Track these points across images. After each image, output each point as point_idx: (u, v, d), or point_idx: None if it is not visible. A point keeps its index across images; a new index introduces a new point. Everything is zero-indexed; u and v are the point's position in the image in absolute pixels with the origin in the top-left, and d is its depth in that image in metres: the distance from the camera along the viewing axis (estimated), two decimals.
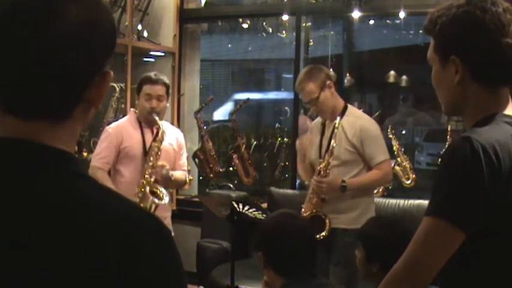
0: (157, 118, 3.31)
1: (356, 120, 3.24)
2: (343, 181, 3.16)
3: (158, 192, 3.25)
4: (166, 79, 3.40)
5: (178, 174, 3.46)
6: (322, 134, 3.35)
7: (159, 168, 3.26)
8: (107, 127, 3.43)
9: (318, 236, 3.11)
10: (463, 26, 1.30)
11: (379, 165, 3.20)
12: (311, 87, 3.24)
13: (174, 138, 3.50)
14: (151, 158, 3.27)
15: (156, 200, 3.21)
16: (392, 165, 4.50)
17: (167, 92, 3.39)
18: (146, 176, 3.24)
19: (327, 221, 3.21)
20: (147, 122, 3.39)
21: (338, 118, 3.18)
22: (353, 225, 3.18)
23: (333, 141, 3.18)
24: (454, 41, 1.31)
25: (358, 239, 2.38)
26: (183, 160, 3.58)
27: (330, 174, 3.19)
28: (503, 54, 1.28)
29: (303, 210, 3.29)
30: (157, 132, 3.31)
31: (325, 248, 3.18)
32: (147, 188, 3.21)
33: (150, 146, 3.31)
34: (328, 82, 3.27)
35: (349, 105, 3.36)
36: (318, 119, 3.47)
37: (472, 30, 1.29)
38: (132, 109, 3.55)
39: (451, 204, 1.22)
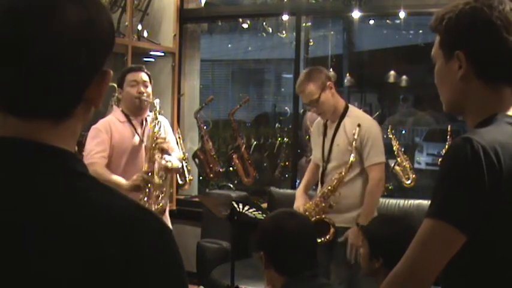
0: (146, 99, 3.25)
1: (357, 120, 3.23)
2: (357, 223, 3.16)
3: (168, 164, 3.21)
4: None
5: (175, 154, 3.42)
6: (325, 135, 3.36)
7: (161, 139, 3.21)
8: (93, 126, 3.26)
9: (320, 240, 3.12)
10: (469, 21, 1.29)
11: (373, 167, 3.20)
12: (311, 88, 3.24)
13: (162, 128, 3.35)
14: (153, 132, 3.20)
15: (169, 162, 3.19)
16: (392, 165, 4.51)
17: (150, 81, 3.36)
18: (154, 147, 3.18)
19: (332, 229, 3.23)
20: (134, 113, 3.32)
21: (357, 128, 3.17)
22: (354, 224, 3.19)
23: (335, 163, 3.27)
24: (460, 36, 1.31)
25: (363, 236, 2.39)
26: (173, 145, 3.49)
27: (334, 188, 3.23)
28: (508, 52, 1.28)
29: (305, 208, 3.31)
30: (156, 126, 3.23)
31: (326, 247, 3.20)
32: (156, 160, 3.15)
33: (151, 139, 3.22)
34: (328, 83, 3.27)
35: (350, 106, 3.37)
36: (320, 120, 3.47)
37: (479, 26, 1.29)
38: (114, 106, 3.46)
39: (451, 206, 1.21)
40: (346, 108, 3.32)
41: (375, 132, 3.28)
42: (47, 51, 0.78)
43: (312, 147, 3.61)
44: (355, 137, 3.15)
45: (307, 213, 3.25)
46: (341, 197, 3.23)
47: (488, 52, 1.29)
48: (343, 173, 3.18)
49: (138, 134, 3.31)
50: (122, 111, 3.35)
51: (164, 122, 3.47)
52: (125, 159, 3.26)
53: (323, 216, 3.24)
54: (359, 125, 3.17)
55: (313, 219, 3.24)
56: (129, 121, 3.32)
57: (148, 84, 3.34)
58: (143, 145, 3.30)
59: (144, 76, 3.32)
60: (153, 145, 3.18)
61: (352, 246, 3.17)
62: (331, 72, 4.76)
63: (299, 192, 3.51)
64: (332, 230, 3.22)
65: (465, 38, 1.30)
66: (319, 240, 3.13)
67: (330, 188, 3.21)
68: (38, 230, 0.75)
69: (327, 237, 3.22)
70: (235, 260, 3.06)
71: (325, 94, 3.24)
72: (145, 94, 3.28)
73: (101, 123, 3.28)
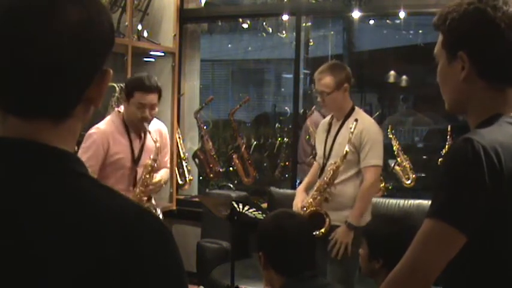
0: (147, 126, 3.17)
1: (360, 122, 3.27)
2: (346, 221, 3.20)
3: (151, 208, 3.18)
4: (158, 82, 3.21)
5: (165, 176, 3.38)
6: (328, 132, 3.40)
7: (152, 186, 3.19)
8: (91, 131, 3.12)
9: (316, 233, 3.15)
10: (473, 22, 1.29)
11: (369, 168, 3.23)
12: (328, 81, 3.29)
13: (158, 133, 3.30)
14: (147, 176, 3.15)
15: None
16: (392, 165, 4.51)
17: (160, 97, 3.21)
18: (138, 191, 3.14)
19: (327, 219, 3.24)
20: (135, 128, 3.23)
21: (354, 123, 3.21)
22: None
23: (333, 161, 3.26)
24: (463, 37, 1.30)
25: (363, 236, 2.39)
26: (167, 158, 3.47)
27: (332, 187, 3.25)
28: (511, 54, 1.28)
29: (303, 204, 3.32)
30: (156, 151, 3.17)
31: (322, 245, 3.20)
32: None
33: (147, 163, 3.17)
34: (345, 85, 3.31)
35: (356, 108, 3.41)
36: (326, 119, 3.53)
37: (482, 27, 1.28)
38: (116, 109, 3.31)
39: (451, 206, 1.21)
40: (352, 109, 3.37)
41: (375, 134, 3.32)
42: (48, 51, 0.78)
43: (315, 145, 3.66)
44: (352, 130, 3.19)
45: (304, 208, 3.28)
46: (337, 195, 3.26)
47: (491, 53, 1.29)
48: (338, 163, 3.21)
49: (134, 149, 3.23)
50: (123, 120, 3.22)
51: (163, 128, 3.43)
52: (120, 172, 3.19)
53: (317, 208, 3.26)
54: (356, 120, 3.22)
55: (307, 211, 3.26)
56: (128, 133, 3.23)
57: (156, 106, 3.18)
58: (139, 161, 3.23)
59: (153, 99, 3.13)
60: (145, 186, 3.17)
61: (337, 243, 3.20)
62: None
63: (299, 190, 3.55)
64: (327, 220, 3.23)
65: (468, 39, 1.30)
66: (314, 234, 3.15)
67: (325, 179, 3.24)
68: (38, 230, 0.75)
69: (322, 230, 3.23)
70: (235, 260, 3.07)
71: (337, 93, 3.29)
72: (150, 118, 3.16)
73: (99, 133, 3.13)
